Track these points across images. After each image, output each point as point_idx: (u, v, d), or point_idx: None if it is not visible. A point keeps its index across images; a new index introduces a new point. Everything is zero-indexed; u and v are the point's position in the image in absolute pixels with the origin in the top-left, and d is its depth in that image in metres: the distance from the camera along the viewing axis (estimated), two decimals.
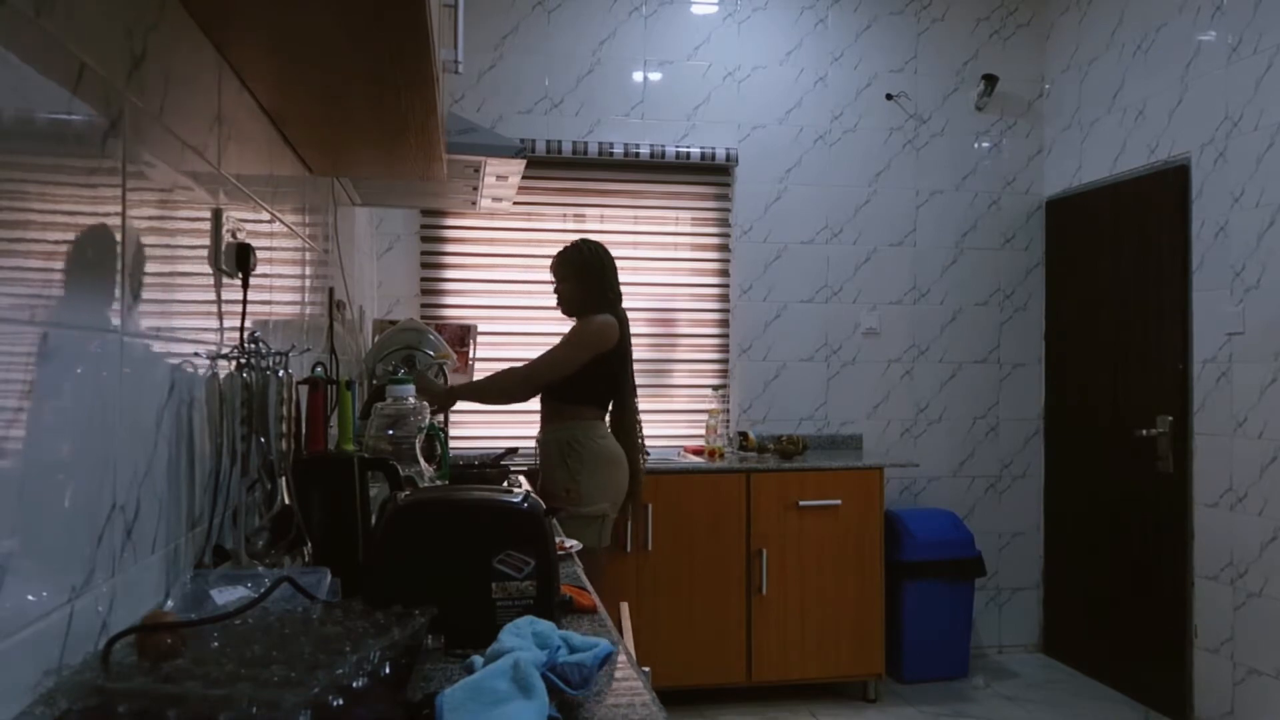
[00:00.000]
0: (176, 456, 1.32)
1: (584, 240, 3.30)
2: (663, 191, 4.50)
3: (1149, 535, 3.97)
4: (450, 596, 1.22)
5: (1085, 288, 4.44)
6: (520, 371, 3.22)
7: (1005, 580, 4.67)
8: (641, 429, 3.34)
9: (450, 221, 4.34)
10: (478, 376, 3.72)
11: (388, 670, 0.99)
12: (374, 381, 2.96)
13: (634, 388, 3.32)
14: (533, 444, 3.67)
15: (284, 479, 1.46)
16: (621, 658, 1.27)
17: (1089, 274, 4.41)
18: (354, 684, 0.91)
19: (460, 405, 3.98)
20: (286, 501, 1.45)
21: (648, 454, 3.50)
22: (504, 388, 3.27)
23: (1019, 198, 4.73)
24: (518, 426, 4.25)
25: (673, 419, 4.46)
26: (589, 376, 3.16)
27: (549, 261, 3.32)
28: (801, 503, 3.91)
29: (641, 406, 4.40)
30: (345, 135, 2.01)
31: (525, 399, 3.30)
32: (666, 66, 4.43)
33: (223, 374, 1.48)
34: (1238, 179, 3.59)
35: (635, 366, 4.33)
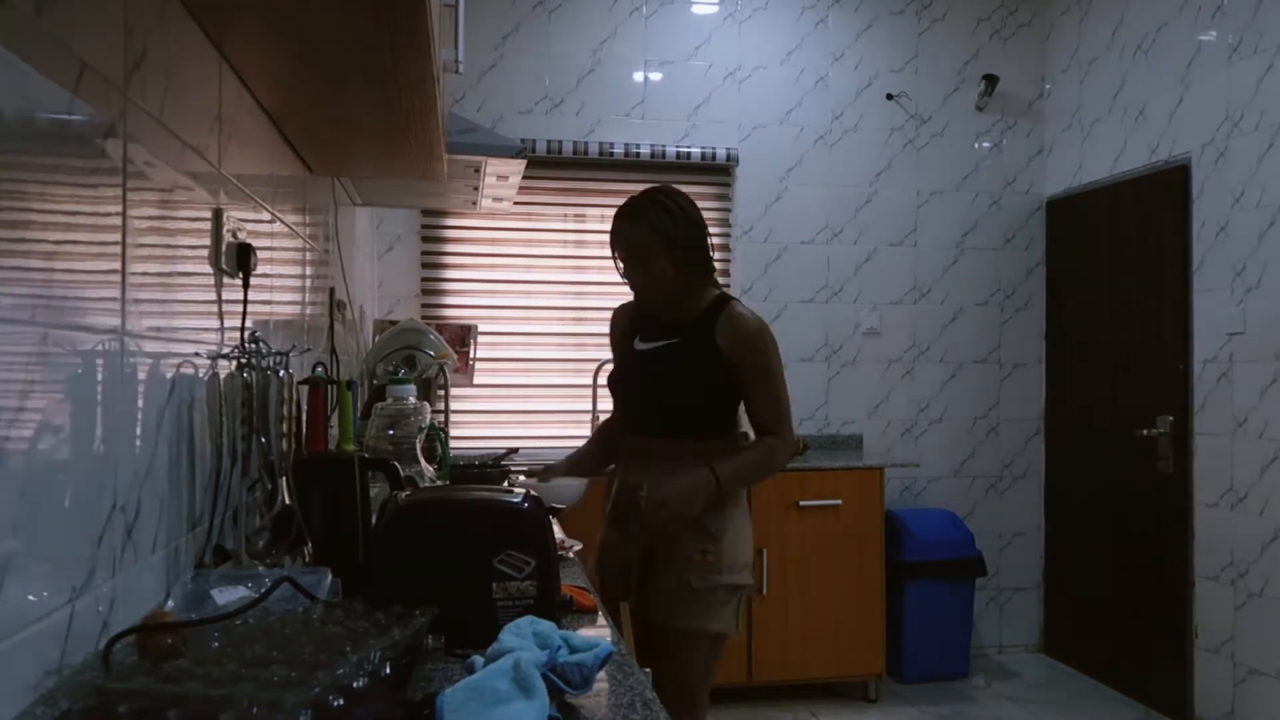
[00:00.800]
0: (177, 456, 1.32)
1: (660, 192, 2.18)
2: None
3: (1150, 535, 3.97)
4: (451, 596, 1.22)
5: (1086, 288, 4.44)
6: (783, 433, 2.16)
7: (1006, 580, 4.67)
8: None
9: (451, 221, 4.34)
10: (479, 379, 3.67)
11: (388, 670, 0.99)
12: (374, 381, 2.97)
13: None
14: (534, 445, 3.55)
15: (284, 479, 1.46)
16: (622, 658, 1.27)
17: (1090, 274, 4.41)
18: (354, 684, 0.91)
19: (460, 406, 3.97)
20: (287, 501, 1.45)
21: None
22: (774, 464, 2.20)
23: (1019, 198, 4.73)
24: (518, 426, 4.25)
25: None
26: (725, 392, 2.16)
27: (620, 223, 2.18)
28: (802, 503, 3.91)
29: None
30: (346, 135, 2.01)
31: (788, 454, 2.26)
32: (667, 66, 4.43)
33: (223, 374, 1.48)
34: (1238, 179, 3.59)
35: None
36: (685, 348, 2.15)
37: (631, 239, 2.14)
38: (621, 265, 2.18)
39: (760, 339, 2.13)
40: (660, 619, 2.10)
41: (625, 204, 2.17)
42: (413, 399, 2.05)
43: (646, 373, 2.20)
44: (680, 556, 2.09)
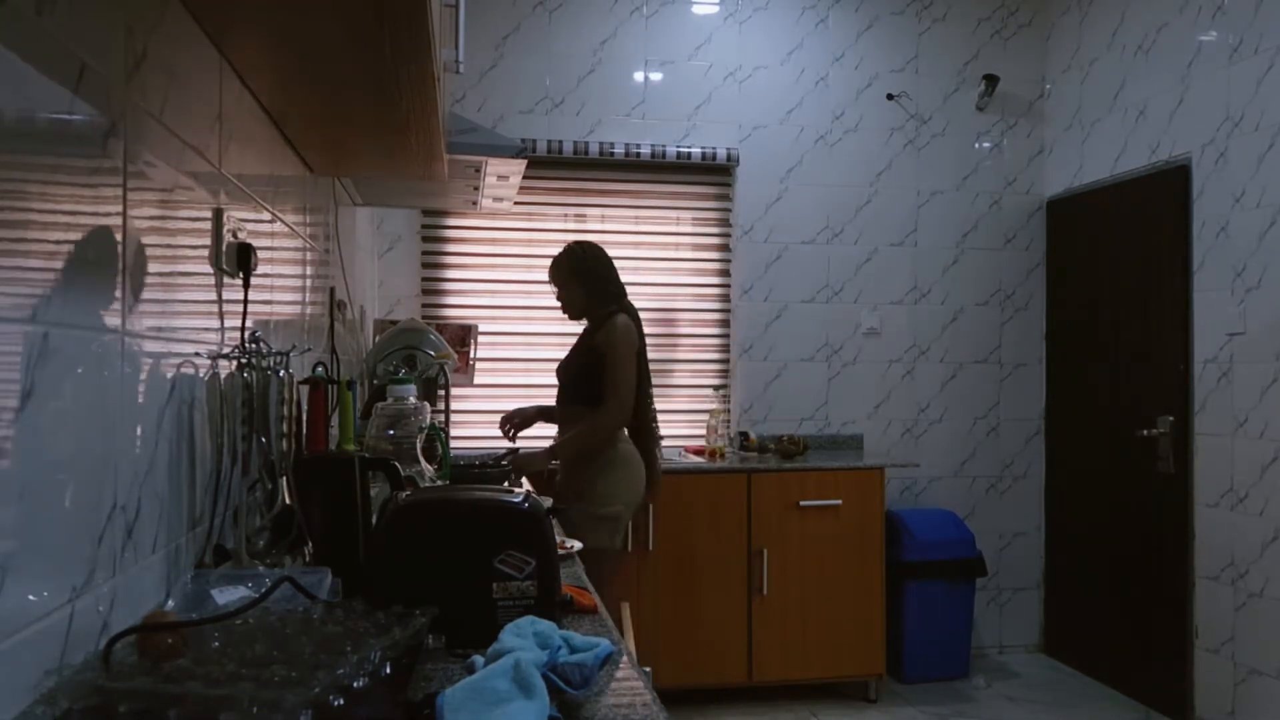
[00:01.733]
0: (177, 456, 1.32)
1: (575, 243, 3.25)
2: (664, 191, 4.50)
3: (1150, 536, 3.97)
4: (451, 596, 1.22)
5: (1086, 288, 4.44)
6: (607, 408, 3.08)
7: (1006, 580, 4.67)
8: (658, 428, 3.32)
9: (451, 221, 4.34)
10: (479, 379, 3.71)
11: (388, 670, 0.99)
12: (375, 381, 2.97)
13: (650, 387, 3.27)
14: (535, 445, 3.66)
15: (284, 479, 1.46)
16: (622, 658, 1.27)
17: (1090, 274, 4.41)
18: (355, 684, 0.91)
19: (460, 406, 3.98)
20: (287, 501, 1.45)
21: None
22: (597, 432, 3.10)
23: (1020, 198, 4.73)
24: None
25: (674, 419, 4.45)
26: (599, 376, 3.10)
27: (549, 263, 3.26)
28: (802, 503, 3.91)
29: None
30: (346, 135, 2.01)
31: (623, 427, 3.17)
32: (667, 66, 4.43)
33: (223, 374, 1.48)
34: (1239, 179, 3.59)
35: None
36: (579, 346, 3.25)
37: (551, 276, 3.27)
38: (554, 291, 3.28)
39: (611, 335, 3.08)
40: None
41: (555, 255, 3.26)
42: (413, 399, 2.05)
43: (562, 362, 3.29)
44: (566, 494, 3.09)
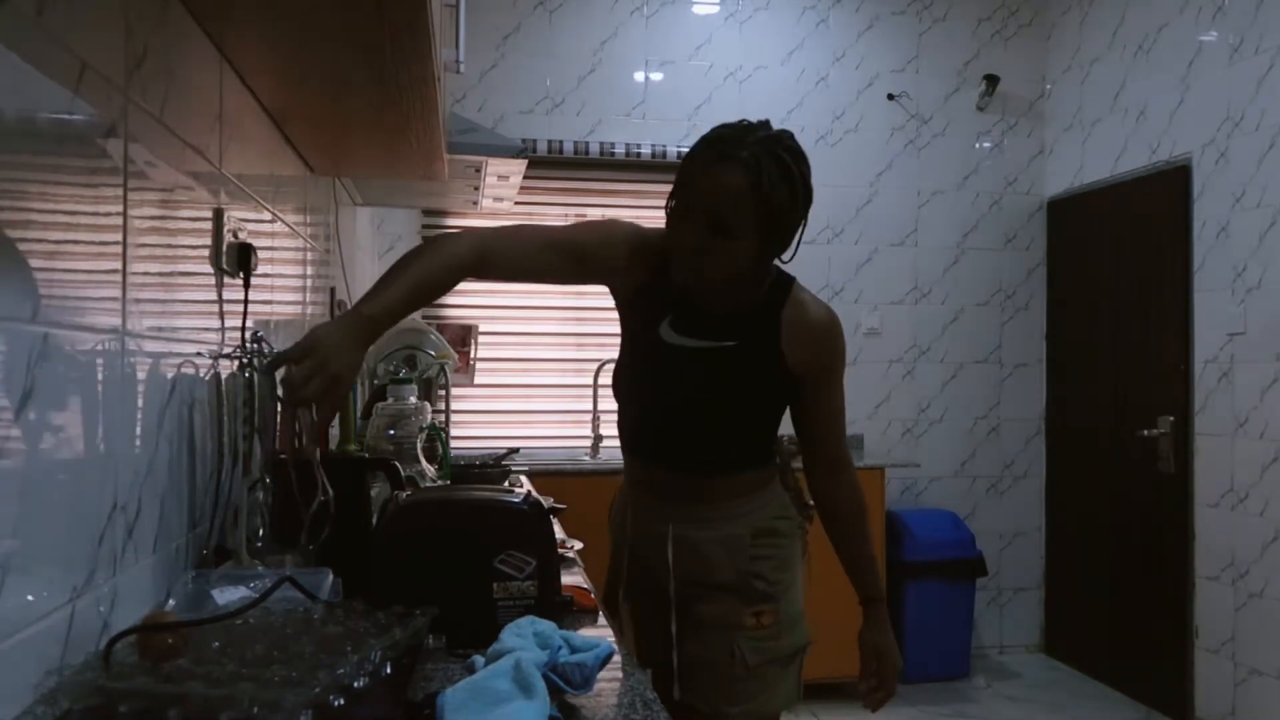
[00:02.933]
0: (178, 456, 1.32)
1: (784, 146, 1.51)
2: (664, 192, 4.40)
3: (1150, 536, 3.97)
4: (451, 596, 1.22)
5: (1087, 288, 4.44)
6: (851, 467, 1.87)
7: (1006, 580, 4.67)
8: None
9: (451, 221, 4.33)
10: (480, 379, 3.68)
11: (389, 670, 0.99)
12: (375, 381, 2.97)
13: None
14: (534, 444, 3.57)
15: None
16: (623, 658, 1.27)
17: (1090, 274, 4.41)
18: (355, 684, 0.91)
19: (461, 406, 3.98)
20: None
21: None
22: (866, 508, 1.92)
23: (1020, 198, 4.73)
24: (519, 426, 4.25)
25: None
26: (775, 412, 1.71)
27: (759, 192, 1.49)
28: None
29: None
30: (346, 135, 2.01)
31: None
32: (668, 66, 4.43)
33: (224, 374, 1.48)
34: (1239, 179, 3.59)
35: None
36: (744, 353, 1.60)
37: (729, 200, 1.47)
38: (692, 223, 1.51)
39: (831, 338, 1.66)
40: (705, 705, 1.61)
41: (735, 142, 1.48)
42: (413, 399, 2.05)
43: (685, 380, 1.62)
44: (723, 621, 1.63)
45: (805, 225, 1.59)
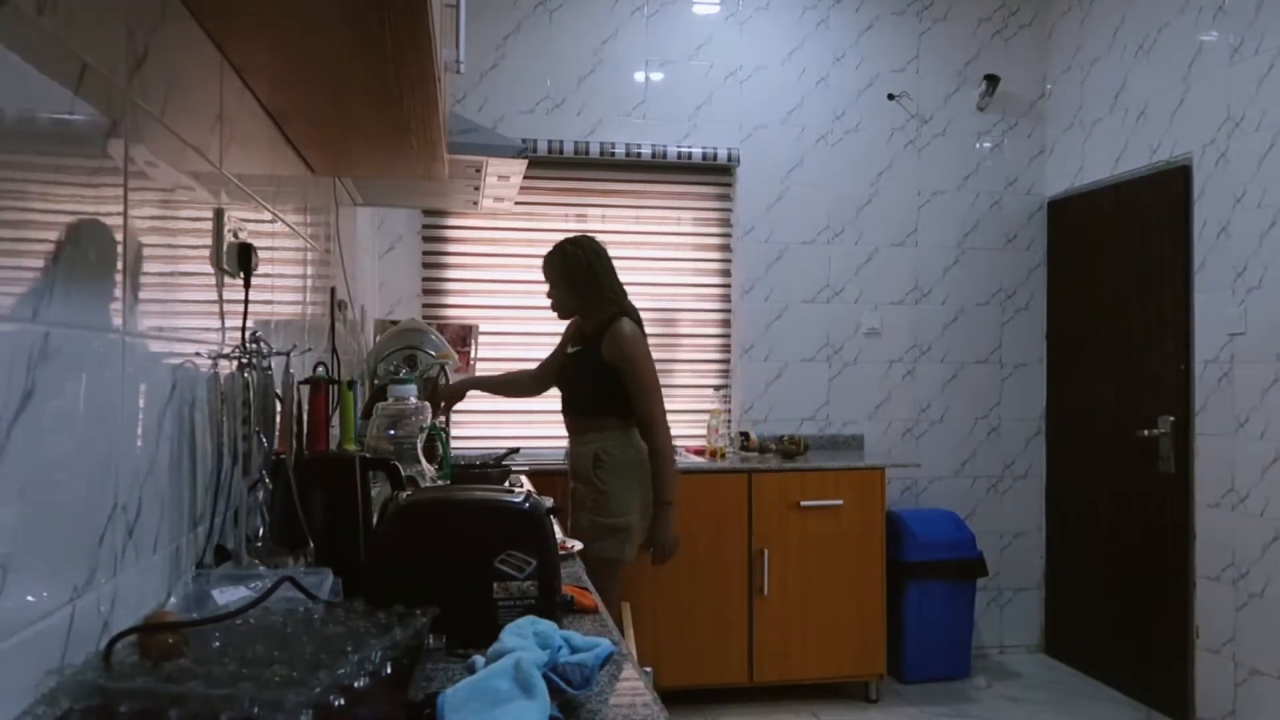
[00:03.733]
0: (178, 456, 1.32)
1: (569, 240, 3.08)
2: (664, 191, 4.50)
3: (1151, 536, 3.97)
4: (452, 596, 1.22)
5: (1087, 288, 4.44)
6: (656, 426, 3.02)
7: (1007, 581, 4.67)
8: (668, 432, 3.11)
9: (452, 221, 4.34)
10: (490, 373, 3.72)
11: (389, 670, 0.99)
12: (376, 381, 2.97)
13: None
14: (534, 444, 3.70)
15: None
16: (623, 658, 1.27)
17: (1091, 274, 4.41)
18: (356, 684, 0.91)
19: (461, 406, 3.98)
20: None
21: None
22: (667, 450, 3.04)
23: (1021, 198, 4.73)
24: (519, 427, 4.26)
25: (674, 419, 4.40)
26: (609, 386, 2.99)
27: (550, 262, 3.11)
28: (803, 503, 3.91)
29: None
30: (347, 135, 2.01)
31: (667, 436, 3.07)
32: (668, 66, 4.43)
33: (224, 374, 1.48)
34: (1239, 179, 3.59)
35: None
36: (584, 357, 3.07)
37: (544, 272, 3.10)
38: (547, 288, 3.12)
39: (626, 348, 2.96)
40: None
41: (549, 251, 3.10)
42: (414, 399, 2.05)
43: (565, 371, 3.18)
44: (580, 503, 3.02)
45: (591, 275, 3.02)
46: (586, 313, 3.07)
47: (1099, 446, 4.31)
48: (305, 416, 1.63)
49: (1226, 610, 3.59)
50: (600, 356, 2.99)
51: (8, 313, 0.86)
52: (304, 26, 1.33)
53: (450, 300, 4.33)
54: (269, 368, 1.49)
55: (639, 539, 3.02)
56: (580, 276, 3.02)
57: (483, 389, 3.46)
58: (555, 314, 3.15)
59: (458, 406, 3.48)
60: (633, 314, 3.07)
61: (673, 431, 4.37)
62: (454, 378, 3.30)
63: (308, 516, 1.46)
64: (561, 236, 4.28)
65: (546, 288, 3.11)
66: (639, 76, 4.41)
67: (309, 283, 2.42)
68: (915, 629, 4.12)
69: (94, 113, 1.04)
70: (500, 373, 3.65)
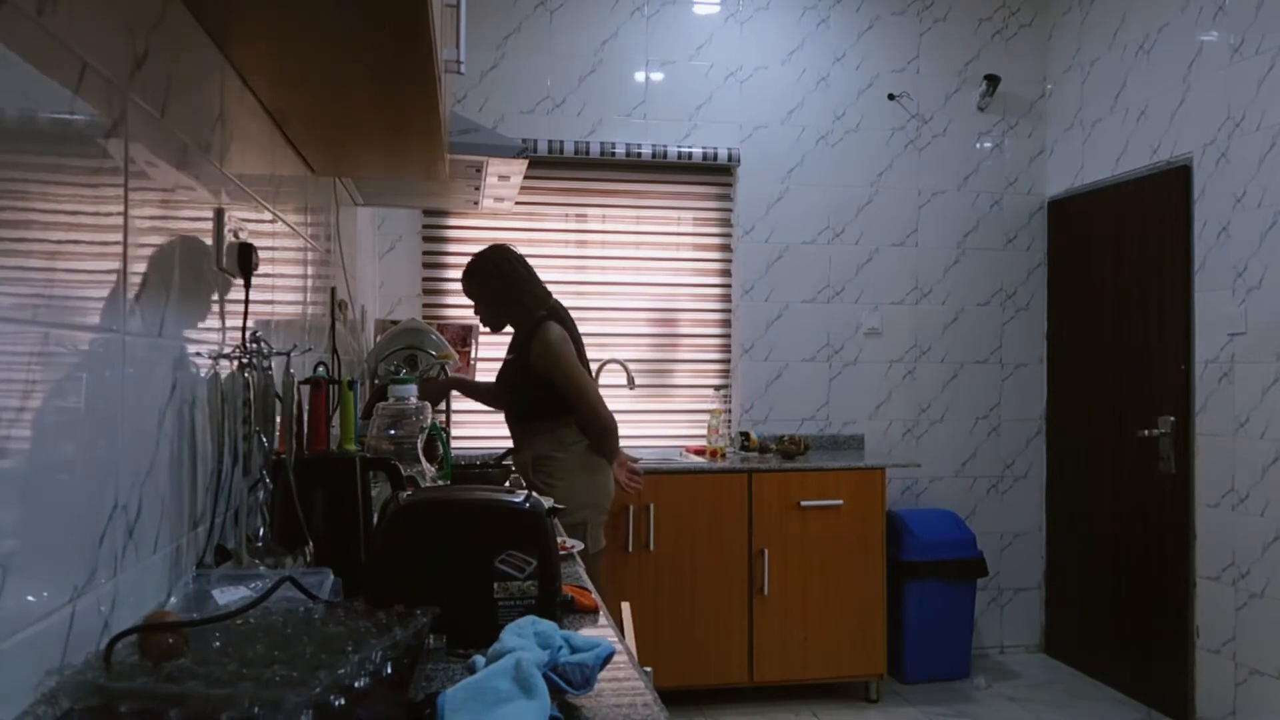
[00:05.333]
0: (178, 456, 1.32)
1: (479, 254, 3.13)
2: (665, 191, 4.50)
3: (1151, 536, 3.97)
4: (452, 596, 1.22)
5: (1087, 288, 4.44)
6: (588, 413, 3.05)
7: (1007, 581, 4.67)
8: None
9: (452, 221, 4.34)
10: (480, 378, 3.73)
11: (390, 670, 0.99)
12: (376, 381, 2.97)
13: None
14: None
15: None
16: (623, 658, 1.27)
17: (1091, 274, 4.41)
18: (356, 684, 0.91)
19: (462, 406, 4.00)
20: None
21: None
22: (605, 437, 3.10)
23: (1021, 198, 4.73)
24: None
25: (674, 419, 4.46)
26: (539, 392, 3.04)
27: (466, 278, 3.16)
28: (803, 503, 3.91)
29: (642, 406, 4.37)
30: (347, 135, 2.01)
31: (613, 425, 3.12)
32: (669, 66, 4.43)
33: (225, 374, 1.48)
34: (1240, 179, 3.58)
35: (637, 367, 4.32)
36: (512, 360, 3.14)
37: (464, 290, 3.16)
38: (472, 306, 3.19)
39: (549, 350, 2.98)
40: None
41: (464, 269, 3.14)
42: (414, 399, 2.05)
43: (501, 379, 3.25)
44: None
45: (507, 284, 3.07)
46: (513, 321, 3.12)
47: (1099, 446, 4.31)
48: (305, 416, 1.63)
49: (1227, 610, 3.59)
50: (529, 363, 3.02)
51: (8, 313, 0.86)
52: (305, 26, 1.33)
53: (450, 300, 4.33)
54: (269, 368, 1.50)
55: (599, 530, 3.10)
56: (497, 286, 3.07)
57: (463, 391, 3.47)
58: (486, 329, 3.23)
59: (461, 406, 3.49)
60: (558, 314, 3.09)
61: (673, 431, 4.43)
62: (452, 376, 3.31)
63: (308, 516, 1.46)
64: (562, 236, 4.29)
65: (472, 306, 3.19)
66: (639, 76, 4.41)
67: (309, 283, 2.42)
68: (915, 629, 4.12)
69: (94, 113, 1.04)
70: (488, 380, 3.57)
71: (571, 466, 3.05)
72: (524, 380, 3.06)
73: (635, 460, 3.28)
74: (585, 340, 3.16)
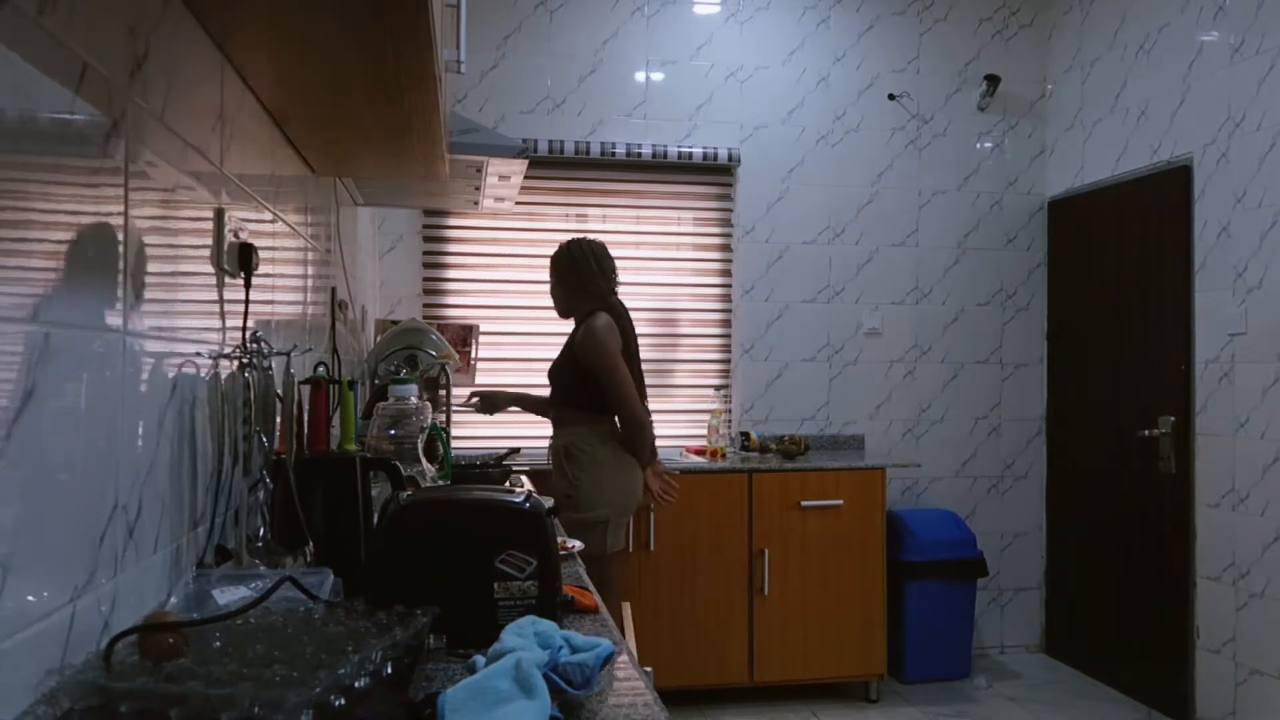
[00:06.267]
0: (179, 456, 1.32)
1: (568, 241, 3.26)
2: (665, 191, 4.50)
3: (1151, 536, 3.97)
4: (452, 596, 1.22)
5: (1087, 288, 4.44)
6: (623, 405, 3.08)
7: (1007, 581, 4.67)
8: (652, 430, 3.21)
9: (452, 221, 4.34)
10: (503, 385, 3.73)
11: (390, 670, 0.99)
12: (376, 381, 2.97)
13: (642, 387, 3.22)
14: (535, 444, 3.69)
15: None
16: (623, 658, 1.27)
17: (1091, 274, 4.41)
18: (356, 684, 0.91)
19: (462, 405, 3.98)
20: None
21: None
22: (642, 430, 3.13)
23: (1021, 198, 4.73)
24: (519, 427, 4.25)
25: (675, 419, 4.45)
26: (581, 380, 3.12)
27: (549, 262, 3.30)
28: (804, 503, 3.91)
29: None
30: (348, 135, 2.01)
31: (645, 419, 3.15)
32: (669, 66, 4.43)
33: (225, 374, 1.48)
34: (1240, 179, 3.58)
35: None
36: (565, 347, 3.21)
37: (551, 272, 3.27)
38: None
39: (593, 338, 3.05)
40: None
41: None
42: (414, 399, 2.05)
43: (552, 366, 3.28)
44: (555, 498, 2.95)
45: (577, 273, 3.18)
46: (573, 310, 3.25)
47: (1099, 446, 4.31)
48: (306, 416, 1.63)
49: (1227, 610, 3.59)
50: (575, 351, 3.14)
51: (8, 313, 0.86)
52: (305, 26, 1.33)
53: (451, 300, 4.33)
54: (269, 368, 1.49)
55: (619, 531, 3.13)
56: (565, 275, 3.21)
57: (523, 406, 3.56)
58: (557, 311, 3.34)
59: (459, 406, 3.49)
60: (615, 309, 3.17)
61: (673, 431, 4.42)
62: (455, 378, 3.31)
63: (308, 516, 1.46)
64: (562, 236, 4.31)
65: (548, 286, 3.32)
66: (640, 76, 4.41)
67: (310, 283, 2.42)
68: (915, 629, 4.12)
69: (95, 113, 1.04)
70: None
71: (601, 461, 3.09)
72: (569, 367, 3.16)
73: (673, 472, 3.33)
74: None
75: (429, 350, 3.06)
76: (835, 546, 3.94)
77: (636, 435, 3.12)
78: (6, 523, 0.85)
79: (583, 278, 3.18)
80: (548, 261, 3.30)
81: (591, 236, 3.31)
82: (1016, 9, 4.71)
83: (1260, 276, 3.49)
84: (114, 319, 1.10)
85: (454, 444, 3.42)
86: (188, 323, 1.39)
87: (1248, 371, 3.53)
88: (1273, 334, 3.43)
